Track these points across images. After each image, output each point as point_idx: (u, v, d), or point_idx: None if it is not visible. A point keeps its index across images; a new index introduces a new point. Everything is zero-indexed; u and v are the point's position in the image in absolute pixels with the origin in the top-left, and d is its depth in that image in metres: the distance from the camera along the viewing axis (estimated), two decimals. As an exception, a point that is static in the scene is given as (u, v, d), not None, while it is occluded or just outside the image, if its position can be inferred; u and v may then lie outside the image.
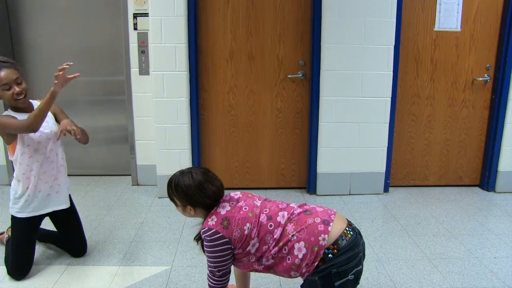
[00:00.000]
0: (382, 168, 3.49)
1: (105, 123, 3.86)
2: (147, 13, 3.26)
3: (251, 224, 1.63)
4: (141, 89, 3.54)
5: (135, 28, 3.44)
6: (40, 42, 3.70)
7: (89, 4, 3.63)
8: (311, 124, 3.43)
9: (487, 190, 3.65)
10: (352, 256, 1.58)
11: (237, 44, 3.37)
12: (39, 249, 2.54)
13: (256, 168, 3.61)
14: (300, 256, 1.58)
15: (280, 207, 1.71)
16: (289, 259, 1.61)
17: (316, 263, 1.57)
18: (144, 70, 3.50)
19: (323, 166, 3.46)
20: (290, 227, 1.62)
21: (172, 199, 1.83)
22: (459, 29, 3.44)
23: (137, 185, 3.73)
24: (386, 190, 3.59)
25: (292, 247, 1.59)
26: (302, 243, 1.58)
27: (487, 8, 3.41)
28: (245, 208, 1.68)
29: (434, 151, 3.67)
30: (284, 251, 1.61)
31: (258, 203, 1.72)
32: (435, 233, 2.84)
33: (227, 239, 1.61)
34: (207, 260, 1.68)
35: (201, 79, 3.40)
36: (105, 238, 2.73)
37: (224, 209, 1.68)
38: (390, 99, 3.36)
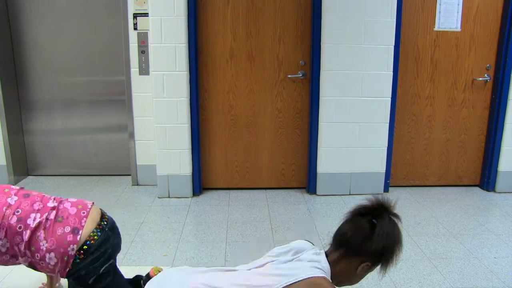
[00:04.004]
0: (382, 168, 3.49)
1: (105, 123, 3.86)
2: (147, 13, 3.26)
3: None
4: (141, 89, 3.54)
5: (135, 28, 3.44)
6: (40, 42, 3.69)
7: (89, 4, 3.63)
8: (311, 124, 3.43)
9: (487, 190, 3.65)
10: (100, 255, 1.67)
11: (237, 44, 3.37)
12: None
13: (256, 168, 3.61)
14: (52, 263, 1.63)
15: (35, 207, 1.66)
16: (43, 264, 1.65)
17: (68, 269, 1.64)
18: (144, 70, 3.50)
19: (323, 166, 3.46)
20: (41, 235, 1.62)
21: None
22: (459, 29, 3.44)
23: (137, 185, 3.73)
24: (386, 190, 3.59)
25: (44, 256, 1.62)
26: (52, 254, 1.62)
27: (487, 8, 3.41)
28: None
29: (434, 151, 3.67)
30: (37, 257, 1.64)
31: (13, 201, 1.65)
32: (435, 233, 2.84)
33: None
34: None
35: (201, 79, 3.40)
36: (105, 238, 2.73)
37: None
38: (390, 99, 3.36)
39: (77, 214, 1.69)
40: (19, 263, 1.72)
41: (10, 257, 1.67)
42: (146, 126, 3.59)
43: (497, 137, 3.53)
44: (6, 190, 1.69)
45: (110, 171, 3.96)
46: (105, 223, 1.74)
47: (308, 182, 3.57)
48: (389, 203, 1.43)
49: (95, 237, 1.67)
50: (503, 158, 3.56)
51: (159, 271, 2.00)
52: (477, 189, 3.72)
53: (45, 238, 1.62)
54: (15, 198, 1.67)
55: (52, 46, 3.71)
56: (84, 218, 1.69)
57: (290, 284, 1.28)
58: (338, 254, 1.43)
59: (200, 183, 3.54)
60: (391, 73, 3.31)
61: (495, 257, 2.52)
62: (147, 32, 3.39)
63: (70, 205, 1.73)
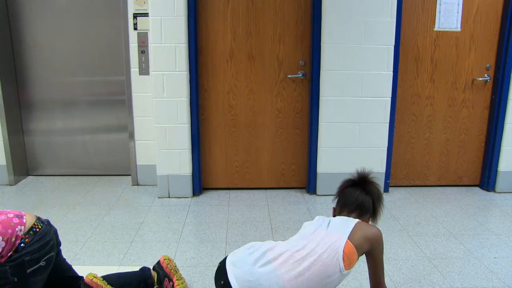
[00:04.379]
0: (382, 168, 3.49)
1: (105, 123, 3.86)
2: (147, 13, 3.26)
3: None
4: (141, 89, 3.54)
5: (135, 28, 3.44)
6: (40, 42, 3.70)
7: (89, 4, 3.63)
8: (311, 124, 3.43)
9: (487, 190, 3.65)
10: (44, 244, 1.73)
11: (237, 44, 3.37)
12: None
13: (256, 168, 3.61)
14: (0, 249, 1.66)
15: None
16: None
17: (10, 253, 1.67)
18: (144, 70, 3.50)
19: (323, 166, 3.46)
20: None
21: None
22: (459, 29, 3.44)
23: (137, 185, 3.73)
24: (386, 190, 3.59)
25: None
26: (0, 237, 1.65)
27: (487, 8, 3.41)
28: None
29: (434, 151, 3.67)
30: None
31: None
32: (435, 233, 2.84)
33: None
34: None
35: (201, 79, 3.40)
36: (105, 238, 2.73)
37: None
38: (390, 99, 3.36)
39: (14, 211, 1.78)
40: None
41: None
42: (146, 126, 3.59)
43: (497, 137, 3.53)
44: None
45: (110, 171, 3.96)
46: (44, 219, 1.83)
47: (308, 182, 3.57)
48: (367, 173, 1.92)
49: (39, 226, 1.76)
50: (503, 158, 3.56)
51: (169, 259, 2.10)
52: (477, 189, 3.72)
53: None
54: None
55: (52, 46, 3.71)
56: (22, 212, 1.78)
57: (352, 229, 1.66)
58: (355, 215, 1.81)
59: (200, 183, 3.54)
60: (391, 73, 3.31)
61: (495, 257, 2.52)
62: (147, 32, 3.39)
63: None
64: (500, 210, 3.27)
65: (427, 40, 3.45)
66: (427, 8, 3.40)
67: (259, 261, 1.59)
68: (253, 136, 3.54)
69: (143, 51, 3.47)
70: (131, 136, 3.66)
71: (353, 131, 3.39)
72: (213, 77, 3.41)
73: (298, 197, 3.50)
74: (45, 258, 1.74)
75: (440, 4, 3.39)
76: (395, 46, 3.28)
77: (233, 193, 3.57)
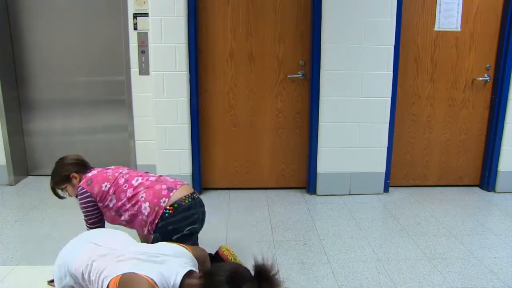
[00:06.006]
0: (382, 168, 3.49)
1: (105, 123, 3.86)
2: (147, 13, 3.26)
3: (109, 183, 2.08)
4: (141, 89, 3.54)
5: (135, 28, 3.44)
6: (40, 42, 3.69)
7: (89, 4, 3.63)
8: (311, 124, 3.43)
9: (487, 190, 3.65)
10: (187, 216, 1.99)
11: (237, 44, 3.37)
12: (41, 249, 2.54)
13: (256, 168, 3.61)
14: (146, 213, 1.99)
15: (139, 174, 2.14)
16: (139, 216, 2.01)
17: (157, 221, 1.96)
18: (144, 70, 3.50)
19: (323, 166, 3.46)
20: (141, 191, 2.03)
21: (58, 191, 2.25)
22: (459, 29, 3.44)
23: (137, 185, 3.73)
24: (386, 190, 3.59)
25: (140, 206, 2.00)
26: (147, 204, 1.99)
27: (487, 8, 3.41)
28: (108, 173, 2.14)
29: (434, 151, 3.67)
30: (135, 209, 2.01)
31: (124, 171, 2.17)
32: (435, 233, 2.84)
33: (89, 193, 2.08)
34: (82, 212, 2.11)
35: (201, 79, 3.40)
36: (105, 238, 2.72)
37: (91, 173, 2.16)
38: (390, 99, 3.36)
39: (174, 181, 2.10)
40: (123, 222, 2.09)
41: (115, 213, 2.07)
42: (146, 126, 3.59)
43: (497, 137, 3.53)
44: (121, 168, 2.22)
45: (110, 171, 3.96)
46: (196, 196, 2.09)
47: (308, 182, 3.57)
48: (269, 268, 1.34)
49: (186, 201, 2.01)
50: (503, 158, 3.56)
51: (227, 250, 2.18)
52: (477, 189, 3.72)
53: (144, 192, 2.02)
54: (126, 170, 2.19)
55: (52, 46, 3.70)
56: (179, 184, 2.08)
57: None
58: (198, 282, 1.43)
59: (200, 183, 3.54)
60: (391, 73, 3.31)
61: (495, 257, 2.52)
62: (147, 32, 3.39)
63: (169, 178, 2.14)
64: (500, 210, 3.27)
65: (427, 40, 3.45)
66: (427, 8, 3.40)
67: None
68: (253, 136, 3.54)
69: (143, 51, 3.47)
70: (131, 136, 3.66)
71: (353, 131, 3.39)
72: (213, 77, 3.41)
73: (298, 197, 3.50)
74: (188, 228, 1.99)
75: (440, 4, 3.39)
76: (395, 46, 3.28)
77: (233, 193, 3.57)
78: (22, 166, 3.86)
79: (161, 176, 2.15)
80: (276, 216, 3.10)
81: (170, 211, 1.95)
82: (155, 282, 1.41)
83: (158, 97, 3.28)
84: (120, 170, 2.17)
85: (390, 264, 2.43)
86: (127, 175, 2.12)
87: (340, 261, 2.46)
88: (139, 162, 3.69)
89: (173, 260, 1.54)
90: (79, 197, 2.10)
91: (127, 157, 3.76)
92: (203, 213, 2.10)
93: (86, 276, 1.57)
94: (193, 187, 3.44)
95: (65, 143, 3.87)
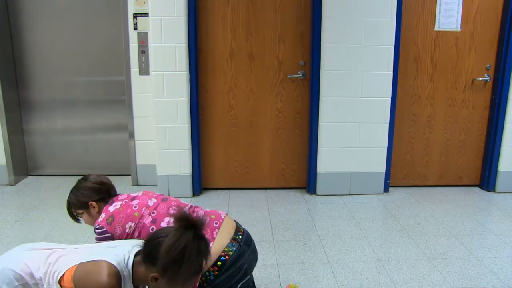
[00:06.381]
0: (382, 168, 3.49)
1: (105, 123, 3.86)
2: (147, 13, 3.26)
3: (134, 224, 1.67)
4: (141, 89, 3.54)
5: (135, 28, 3.44)
6: (40, 42, 3.70)
7: (89, 4, 3.63)
8: (311, 124, 3.43)
9: (487, 190, 3.65)
10: (235, 272, 1.59)
11: (237, 44, 3.37)
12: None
13: (256, 168, 3.61)
14: None
15: (170, 212, 1.68)
16: None
17: (200, 284, 1.56)
18: (144, 70, 3.50)
19: (323, 166, 3.46)
20: None
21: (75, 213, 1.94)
22: (459, 29, 3.44)
23: (137, 185, 3.73)
24: (386, 190, 3.59)
25: None
26: None
27: (487, 8, 3.41)
28: (135, 207, 1.73)
29: (434, 151, 3.67)
30: None
31: (152, 202, 1.74)
32: (435, 233, 2.84)
33: (109, 234, 1.68)
34: None
35: (201, 79, 3.40)
36: (105, 238, 2.73)
37: (113, 207, 1.75)
38: (390, 99, 3.36)
39: (209, 224, 1.65)
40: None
41: None
42: (146, 126, 3.59)
43: (497, 137, 3.53)
44: (150, 193, 1.82)
45: (110, 171, 3.96)
46: (240, 236, 1.68)
47: (308, 182, 3.57)
48: (200, 221, 1.36)
49: (230, 253, 1.60)
50: (503, 158, 3.56)
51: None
52: (477, 189, 3.72)
53: None
54: (154, 200, 1.76)
55: (52, 46, 3.71)
56: (216, 230, 1.65)
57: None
58: (140, 258, 1.42)
59: (200, 183, 3.54)
60: (391, 73, 3.31)
61: (495, 257, 2.52)
62: (147, 32, 3.39)
63: (203, 213, 1.71)
64: (500, 210, 3.27)
65: (427, 40, 3.45)
66: (427, 8, 3.40)
67: None
68: (253, 136, 3.54)
69: (143, 51, 3.47)
70: (131, 136, 3.66)
71: (353, 131, 3.39)
72: (213, 77, 3.41)
73: (298, 197, 3.50)
74: (240, 284, 1.63)
75: (440, 4, 3.39)
76: (395, 46, 3.28)
77: (233, 193, 3.57)
78: (22, 166, 3.86)
79: (194, 211, 1.71)
80: (276, 216, 3.10)
81: (215, 272, 1.56)
82: (112, 264, 1.36)
83: (158, 97, 3.28)
84: (148, 203, 1.74)
85: (390, 264, 2.43)
86: (155, 212, 1.71)
87: (340, 261, 2.46)
88: (139, 162, 3.69)
89: (126, 243, 1.51)
90: (96, 232, 1.72)
91: (127, 157, 3.76)
92: (254, 252, 1.72)
93: (37, 275, 1.43)
94: (192, 187, 3.47)
95: (65, 143, 3.88)
